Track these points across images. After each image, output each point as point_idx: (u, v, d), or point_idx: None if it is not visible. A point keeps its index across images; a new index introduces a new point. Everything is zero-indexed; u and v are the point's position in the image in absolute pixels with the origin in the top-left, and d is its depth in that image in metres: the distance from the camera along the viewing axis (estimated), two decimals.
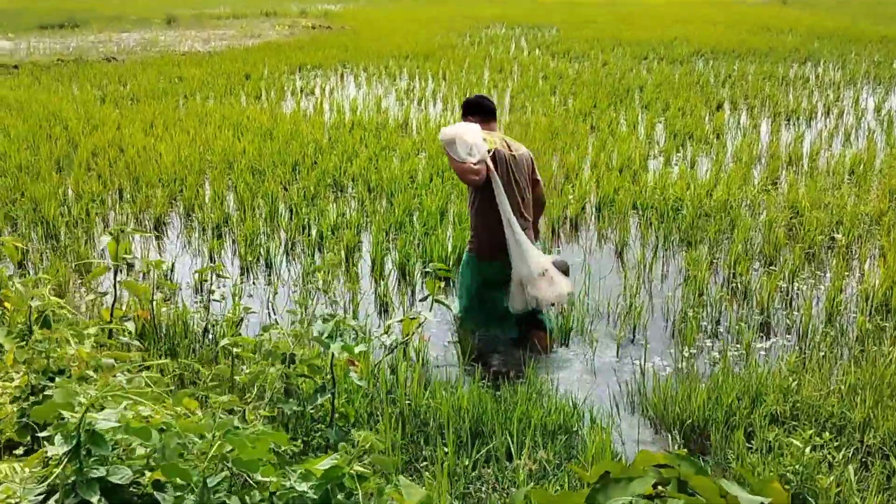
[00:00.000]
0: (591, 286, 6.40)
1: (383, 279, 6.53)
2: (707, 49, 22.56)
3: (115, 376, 3.25)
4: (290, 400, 3.85)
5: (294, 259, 7.18)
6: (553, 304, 5.46)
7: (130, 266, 6.79)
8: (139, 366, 3.79)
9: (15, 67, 18.47)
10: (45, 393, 2.34)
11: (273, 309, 6.12)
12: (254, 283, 6.66)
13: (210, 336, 5.33)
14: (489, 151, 5.18)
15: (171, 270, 6.70)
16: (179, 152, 10.01)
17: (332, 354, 3.65)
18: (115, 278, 4.64)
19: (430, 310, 5.08)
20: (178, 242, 7.60)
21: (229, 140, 10.68)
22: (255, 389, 3.37)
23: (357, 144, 10.68)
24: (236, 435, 1.87)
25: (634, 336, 5.70)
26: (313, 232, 7.60)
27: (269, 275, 6.82)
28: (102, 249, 7.01)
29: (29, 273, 6.65)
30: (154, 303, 5.27)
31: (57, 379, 2.38)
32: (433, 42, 24.74)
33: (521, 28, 31.35)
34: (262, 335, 3.47)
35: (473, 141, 5.11)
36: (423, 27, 30.58)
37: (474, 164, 5.07)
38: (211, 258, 7.18)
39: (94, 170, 9.40)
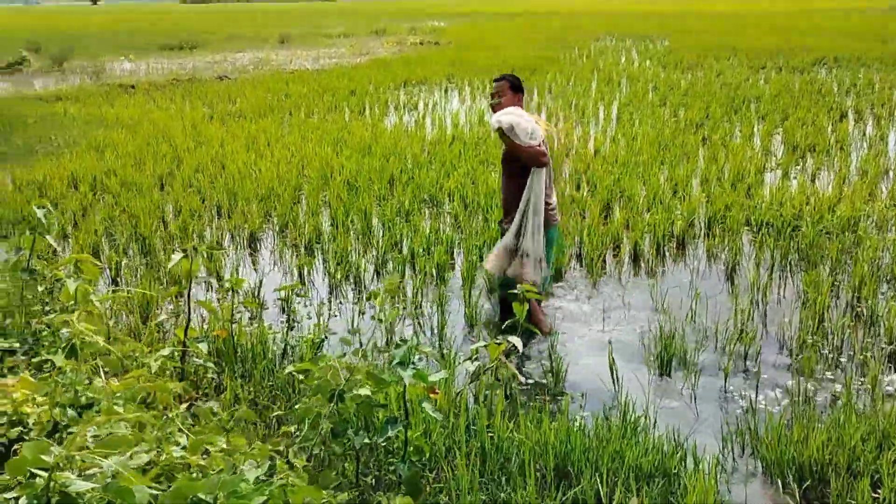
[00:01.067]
0: (697, 309, 5.92)
1: (473, 300, 6.21)
2: (829, 57, 21.42)
3: (161, 409, 3.04)
4: (360, 433, 3.57)
5: (385, 277, 6.94)
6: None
7: (221, 284, 6.72)
8: (189, 399, 3.58)
9: (132, 87, 19.09)
10: (70, 430, 2.13)
11: (358, 330, 5.88)
12: (341, 302, 6.44)
13: (291, 358, 5.13)
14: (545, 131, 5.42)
15: (259, 288, 6.56)
16: (278, 168, 9.98)
17: (405, 384, 3.36)
18: (187, 297, 4.48)
19: (519, 335, 4.73)
20: (270, 259, 7.49)
21: (328, 155, 10.60)
22: (305, 428, 3.09)
23: (455, 159, 10.42)
24: (241, 497, 1.58)
25: (745, 366, 5.19)
26: (405, 249, 7.35)
27: (359, 293, 6.60)
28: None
29: (122, 289, 6.63)
30: (234, 322, 5.13)
31: (84, 414, 2.17)
32: (541, 55, 24.38)
33: (632, 40, 30.66)
34: (319, 363, 3.21)
35: (529, 125, 5.29)
36: (531, 41, 30.28)
37: (537, 145, 5.26)
38: (301, 275, 7.02)
39: (194, 186, 9.44)
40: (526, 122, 5.31)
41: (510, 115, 5.37)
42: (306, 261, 7.16)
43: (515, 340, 4.54)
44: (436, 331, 5.78)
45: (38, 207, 5.50)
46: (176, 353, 4.48)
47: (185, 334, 4.43)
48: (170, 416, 3.30)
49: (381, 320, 4.98)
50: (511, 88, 5.72)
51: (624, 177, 9.25)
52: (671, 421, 4.48)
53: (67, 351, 2.93)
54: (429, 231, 7.67)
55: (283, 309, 6.25)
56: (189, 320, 4.46)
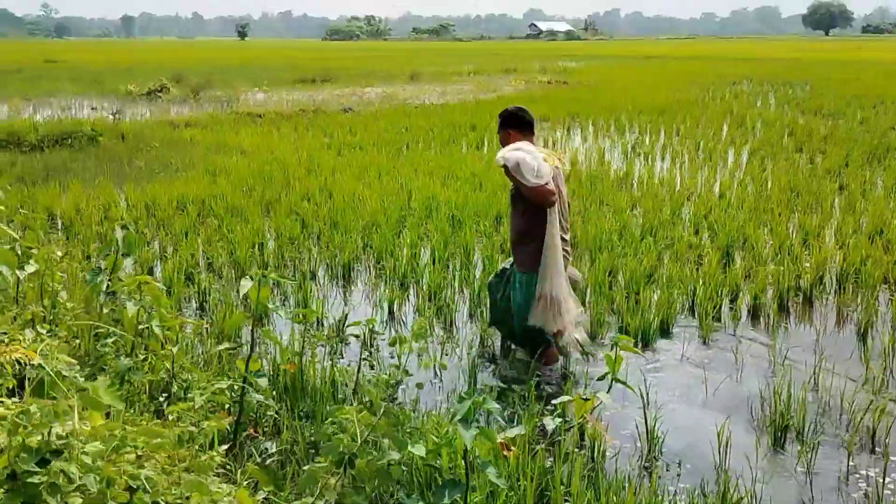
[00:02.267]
0: (821, 374, 5.23)
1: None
2: None
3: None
4: (412, 496, 3.17)
5: (478, 317, 6.53)
6: (560, 332, 5.25)
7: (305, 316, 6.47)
8: (248, 436, 3.25)
9: (260, 116, 19.50)
10: (29, 481, 1.82)
11: (440, 372, 5.47)
12: (426, 340, 6.05)
13: (362, 397, 4.77)
14: (553, 168, 5.14)
15: (343, 321, 6.26)
16: (383, 199, 9.76)
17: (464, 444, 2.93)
18: (252, 327, 4.20)
19: (609, 391, 4.23)
20: (362, 291, 7.20)
21: (436, 188, 10.32)
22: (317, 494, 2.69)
23: (568, 197, 9.95)
24: None
25: (872, 443, 4.50)
26: None
27: (451, 332, 6.21)
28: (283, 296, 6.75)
29: (209, 316, 6.46)
30: (303, 355, 4.83)
31: (54, 462, 1.85)
32: (672, 98, 23.64)
33: (771, 85, 29.42)
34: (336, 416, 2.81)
35: (535, 163, 5.03)
36: (664, 83, 29.51)
37: (544, 185, 5.00)
38: (391, 310, 6.70)
39: (299, 214, 9.31)
40: (532, 158, 5.04)
41: (517, 152, 5.10)
42: (397, 295, 6.83)
43: (605, 397, 4.04)
44: (525, 381, 5.32)
45: (120, 227, 5.37)
46: (236, 386, 4.20)
47: (247, 367, 4.15)
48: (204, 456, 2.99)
49: (406, 371, 4.51)
50: (514, 125, 5.41)
51: (749, 223, 8.55)
52: (781, 500, 3.86)
53: (34, 386, 2.63)
54: None
55: (367, 344, 5.93)
56: (252, 351, 4.17)
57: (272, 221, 8.95)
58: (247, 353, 4.18)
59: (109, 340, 4.36)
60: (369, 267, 7.82)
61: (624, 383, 4.31)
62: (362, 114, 20.11)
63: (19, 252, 5.39)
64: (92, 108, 19.75)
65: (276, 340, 4.28)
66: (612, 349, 4.27)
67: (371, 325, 4.85)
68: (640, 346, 5.84)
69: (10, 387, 3.84)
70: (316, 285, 7.24)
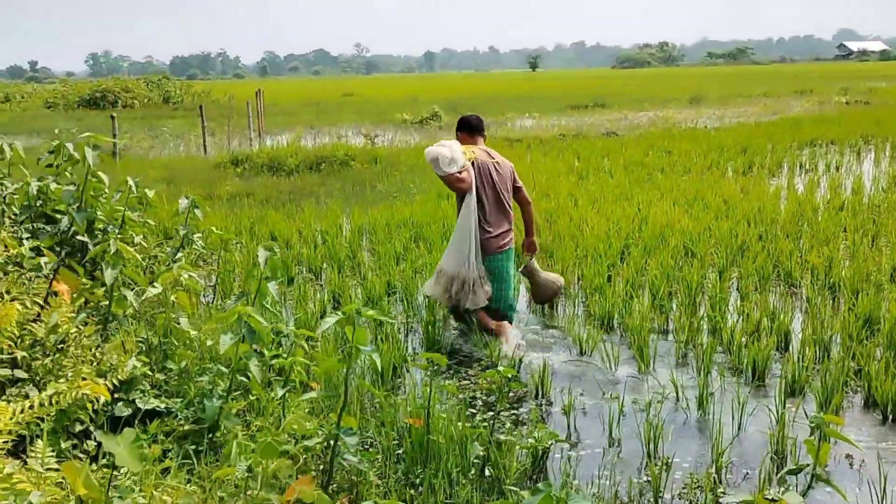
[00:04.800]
0: None
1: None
2: None
3: None
4: None
5: (687, 369, 5.38)
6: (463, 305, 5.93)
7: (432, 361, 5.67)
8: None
9: (518, 141, 19.07)
10: None
11: (616, 442, 4.43)
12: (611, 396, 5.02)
13: (494, 470, 3.89)
14: (470, 161, 5.92)
15: (518, 364, 5.39)
16: (611, 227, 8.75)
17: None
18: (346, 372, 3.48)
19: (806, 493, 3.03)
20: (560, 330, 6.27)
21: (675, 215, 9.12)
22: None
23: (831, 227, 8.36)
24: None
25: None
26: (726, 335, 5.71)
27: (641, 386, 5.14)
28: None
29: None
30: (427, 408, 4.03)
31: None
32: None
33: None
34: None
35: (451, 154, 5.78)
36: None
37: (457, 173, 5.77)
38: (581, 352, 5.73)
39: None
40: (449, 151, 5.79)
41: (439, 147, 5.85)
42: (593, 336, 5.83)
43: (795, 499, 2.91)
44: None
45: (264, 249, 4.91)
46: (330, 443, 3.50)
47: (339, 420, 3.43)
48: None
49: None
50: (463, 128, 6.36)
51: None
52: None
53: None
54: (763, 315, 5.94)
55: (538, 393, 5.02)
56: (344, 403, 3.45)
57: None
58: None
59: (204, 379, 3.86)
60: (576, 302, 6.89)
61: (832, 485, 3.08)
62: (624, 138, 19.01)
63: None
64: (363, 136, 20.40)
65: (371, 388, 3.51)
66: (812, 433, 3.09)
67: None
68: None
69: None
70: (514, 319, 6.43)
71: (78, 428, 3.56)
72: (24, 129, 26.01)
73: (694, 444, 4.37)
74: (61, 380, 3.53)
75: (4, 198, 6.12)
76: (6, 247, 5.42)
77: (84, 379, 3.42)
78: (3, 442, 2.97)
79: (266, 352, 3.85)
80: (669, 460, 4.08)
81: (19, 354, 3.72)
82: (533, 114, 28.23)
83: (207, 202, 11.52)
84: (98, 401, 3.49)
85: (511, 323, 6.09)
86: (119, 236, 6.86)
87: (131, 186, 6.97)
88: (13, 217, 6.24)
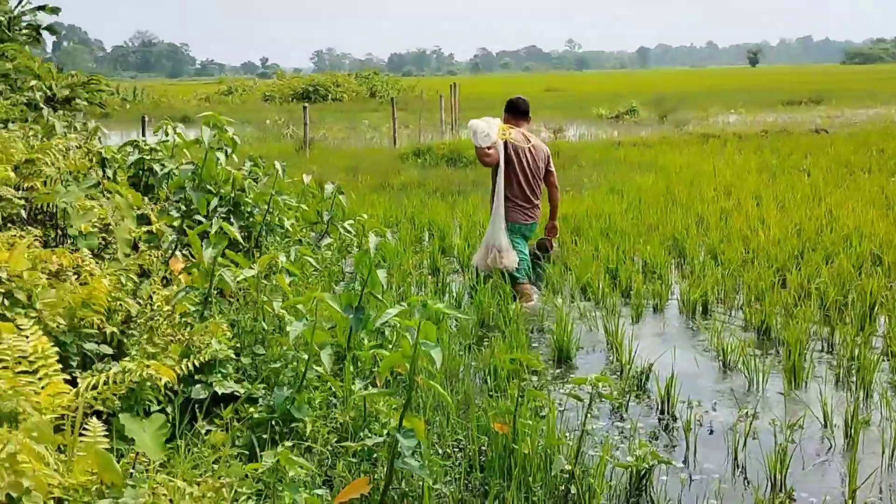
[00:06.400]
0: None
1: None
2: None
3: None
4: None
5: (844, 390, 4.70)
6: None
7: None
8: None
9: (716, 137, 18.02)
10: None
11: (739, 467, 3.90)
12: (754, 417, 4.44)
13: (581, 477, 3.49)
14: (503, 141, 6.49)
15: (645, 376, 4.91)
16: (789, 229, 7.95)
17: None
18: (411, 370, 3.20)
19: None
20: (704, 340, 5.70)
21: (868, 217, 8.16)
22: None
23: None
24: None
25: None
26: None
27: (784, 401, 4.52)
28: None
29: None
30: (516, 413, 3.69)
31: None
32: None
33: None
34: None
35: (488, 130, 6.36)
36: None
37: (486, 148, 6.39)
38: (724, 366, 5.16)
39: (677, 239, 7.96)
40: (487, 128, 6.40)
41: (480, 121, 6.49)
42: (738, 348, 5.23)
43: None
44: None
45: (374, 234, 4.77)
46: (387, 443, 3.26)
47: (401, 420, 3.18)
48: None
49: None
50: (508, 111, 6.98)
51: None
52: None
53: None
54: None
55: (663, 409, 4.53)
56: (408, 403, 3.19)
57: (642, 245, 7.73)
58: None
59: (277, 365, 3.71)
60: (731, 310, 6.27)
61: None
62: (833, 135, 17.49)
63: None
64: (547, 129, 20.07)
65: (436, 387, 3.22)
66: None
67: (602, 384, 3.53)
68: None
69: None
70: (658, 323, 5.96)
71: (154, 408, 3.52)
72: (238, 118, 27.53)
73: (831, 477, 3.76)
74: (128, 358, 3.50)
75: (166, 176, 6.33)
76: (149, 222, 5.60)
77: (151, 359, 3.37)
78: (57, 418, 2.96)
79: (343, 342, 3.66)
80: (793, 493, 3.52)
81: (109, 330, 3.74)
82: (739, 110, 26.67)
83: (378, 191, 11.65)
84: (169, 382, 3.44)
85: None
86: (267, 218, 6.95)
87: (279, 171, 7.05)
88: (167, 197, 6.47)
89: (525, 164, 6.61)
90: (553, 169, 6.93)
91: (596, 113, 26.47)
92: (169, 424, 3.47)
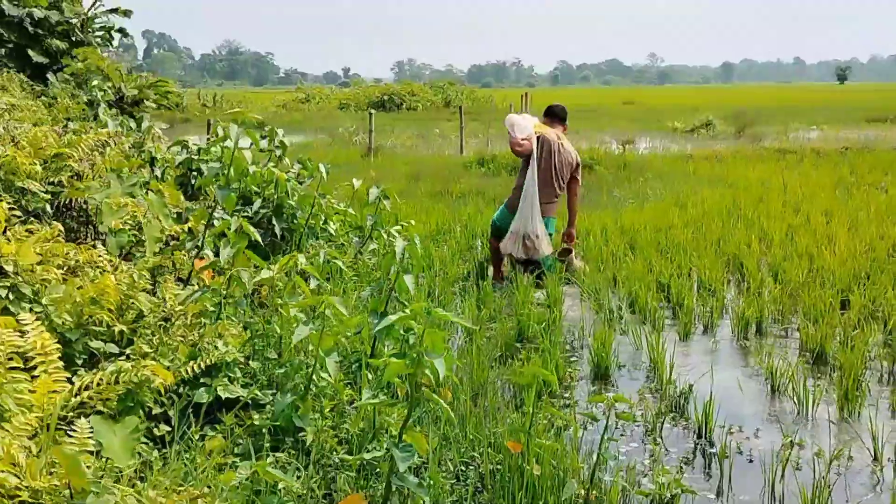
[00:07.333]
0: None
1: None
2: None
3: None
4: None
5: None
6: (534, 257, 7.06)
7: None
8: None
9: (792, 153, 17.38)
10: None
11: (776, 500, 3.61)
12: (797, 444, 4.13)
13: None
14: (537, 136, 7.13)
15: (686, 397, 4.63)
16: (860, 247, 7.53)
17: None
18: (411, 382, 3.01)
19: None
20: (750, 360, 5.38)
21: None
22: None
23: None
24: None
25: None
26: None
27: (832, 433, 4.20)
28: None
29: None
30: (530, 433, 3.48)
31: None
32: None
33: None
34: None
35: (524, 124, 7.17)
36: None
37: (520, 139, 7.05)
38: (774, 389, 4.85)
39: (737, 256, 7.61)
40: (524, 123, 7.19)
41: (518, 116, 7.38)
42: (782, 370, 4.90)
43: None
44: None
45: (403, 240, 4.63)
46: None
47: (401, 435, 3.01)
48: None
49: None
50: (547, 115, 7.64)
51: None
52: None
53: None
54: None
55: (700, 434, 4.26)
56: (409, 415, 3.01)
57: (699, 260, 7.40)
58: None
59: (281, 371, 3.57)
60: (786, 331, 5.92)
61: None
62: None
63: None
64: (616, 141, 19.70)
65: (438, 401, 3.03)
66: None
67: (617, 401, 3.30)
68: None
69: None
70: (707, 342, 5.66)
71: (157, 410, 3.42)
72: (312, 126, 27.98)
73: None
74: (124, 358, 3.41)
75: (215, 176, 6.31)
76: (188, 220, 5.55)
77: (146, 358, 3.27)
78: (45, 417, 2.87)
79: (349, 348, 3.51)
80: None
81: (118, 328, 3.67)
82: (821, 126, 25.77)
83: (437, 197, 11.53)
84: (170, 384, 3.34)
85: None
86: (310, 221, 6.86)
87: (322, 174, 6.96)
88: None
89: (551, 159, 7.12)
90: (579, 178, 7.39)
91: (671, 126, 25.90)
92: (168, 428, 3.38)
